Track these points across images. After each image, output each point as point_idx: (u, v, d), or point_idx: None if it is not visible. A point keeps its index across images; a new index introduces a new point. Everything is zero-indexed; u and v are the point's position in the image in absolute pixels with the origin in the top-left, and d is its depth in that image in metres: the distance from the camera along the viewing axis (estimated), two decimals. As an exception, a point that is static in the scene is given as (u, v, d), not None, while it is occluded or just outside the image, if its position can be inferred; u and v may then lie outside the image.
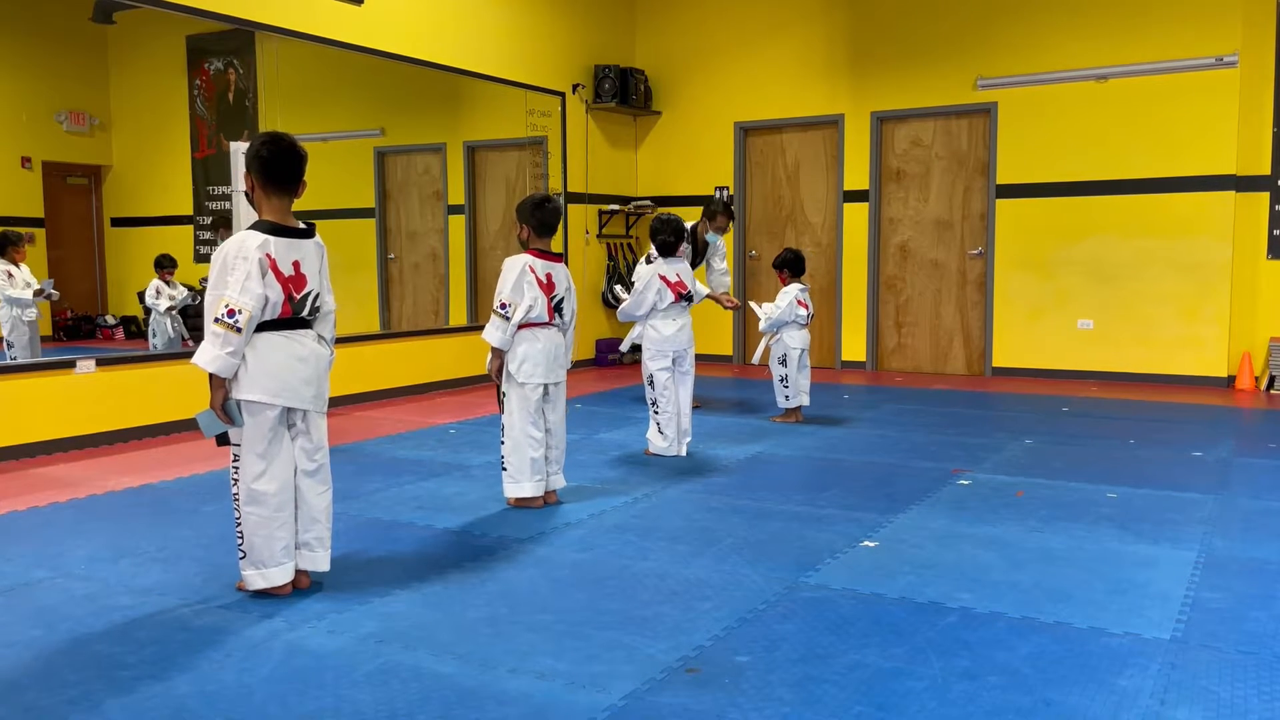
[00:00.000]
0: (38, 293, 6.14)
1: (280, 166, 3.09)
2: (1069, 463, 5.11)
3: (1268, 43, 7.76)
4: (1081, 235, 8.30)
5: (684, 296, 5.34)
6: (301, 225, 3.16)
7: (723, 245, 7.11)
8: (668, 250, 5.35)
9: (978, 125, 8.72)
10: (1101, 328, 8.29)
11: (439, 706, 2.40)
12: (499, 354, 4.17)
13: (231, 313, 2.96)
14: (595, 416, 6.55)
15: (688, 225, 6.59)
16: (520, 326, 4.15)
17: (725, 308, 6.52)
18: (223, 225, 6.79)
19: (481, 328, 4.21)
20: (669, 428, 5.24)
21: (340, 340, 3.35)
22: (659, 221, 5.39)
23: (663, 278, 5.27)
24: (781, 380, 6.20)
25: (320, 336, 3.24)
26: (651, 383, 5.24)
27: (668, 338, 5.24)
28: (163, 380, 6.04)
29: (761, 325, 6.18)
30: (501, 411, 4.24)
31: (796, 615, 2.98)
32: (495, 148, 9.02)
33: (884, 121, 9.08)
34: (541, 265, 4.19)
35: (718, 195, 6.67)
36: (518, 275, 4.14)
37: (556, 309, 4.25)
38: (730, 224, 6.87)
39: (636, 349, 5.47)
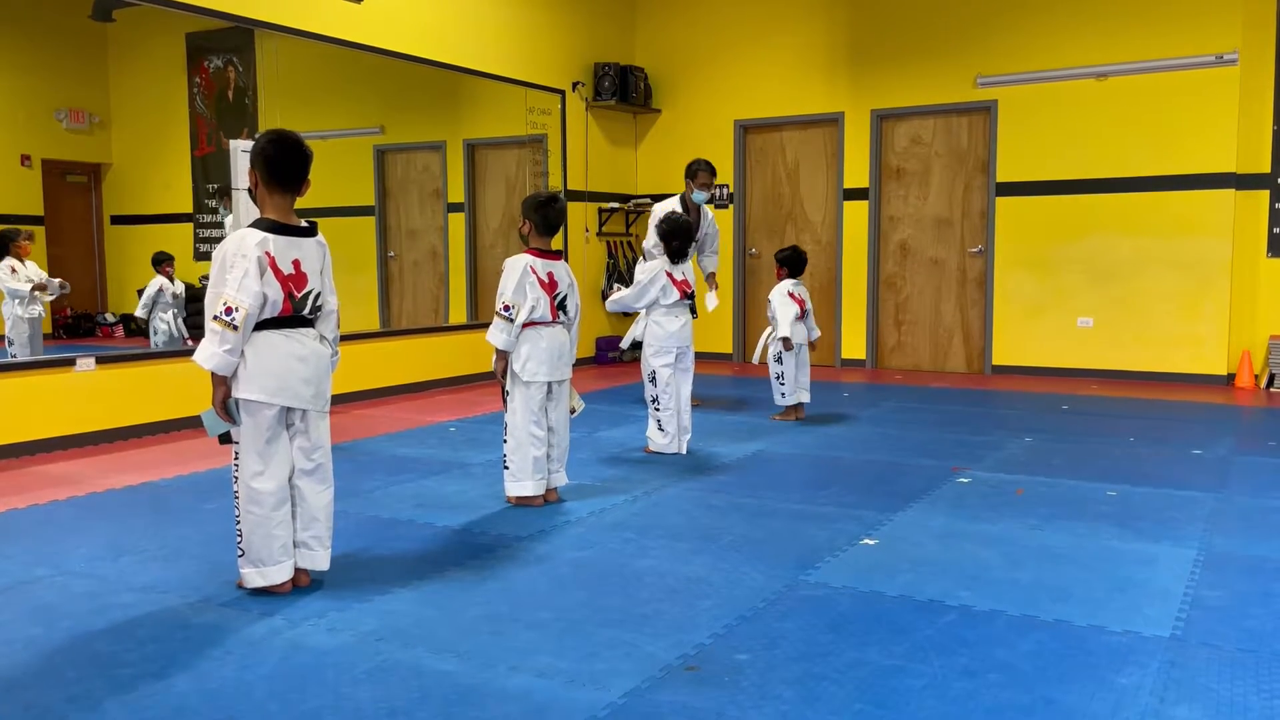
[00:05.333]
0: (39, 287, 6.13)
1: (285, 165, 3.08)
2: (1069, 460, 5.11)
3: (1268, 41, 7.75)
4: (1081, 233, 8.31)
5: (688, 295, 5.35)
6: (303, 224, 3.16)
7: (714, 222, 6.98)
8: (680, 257, 5.35)
9: (978, 123, 8.72)
10: (1101, 326, 8.29)
11: (439, 704, 2.40)
12: (504, 355, 4.17)
13: (229, 310, 2.96)
14: (595, 414, 6.54)
15: (676, 204, 6.66)
16: (524, 326, 4.15)
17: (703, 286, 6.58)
18: (224, 195, 6.73)
19: (482, 325, 4.22)
20: (670, 425, 5.24)
21: (340, 338, 3.35)
22: (670, 224, 5.35)
23: (669, 274, 5.27)
24: (778, 378, 6.20)
25: (322, 336, 3.23)
26: (654, 379, 5.24)
27: (672, 334, 5.24)
28: (163, 378, 6.04)
29: (789, 331, 6.11)
30: (506, 410, 4.23)
31: (796, 613, 2.98)
32: (495, 145, 9.02)
33: (884, 119, 9.07)
34: (542, 264, 4.19)
35: (696, 160, 6.70)
36: (519, 276, 4.13)
37: (560, 307, 4.25)
38: (713, 179, 6.77)
39: (636, 346, 5.47)
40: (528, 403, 4.17)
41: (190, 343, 6.72)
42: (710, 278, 7.05)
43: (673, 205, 6.69)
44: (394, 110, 8.28)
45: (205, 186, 7.03)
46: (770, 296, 6.19)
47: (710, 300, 6.84)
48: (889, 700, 2.40)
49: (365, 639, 2.80)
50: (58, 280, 6.28)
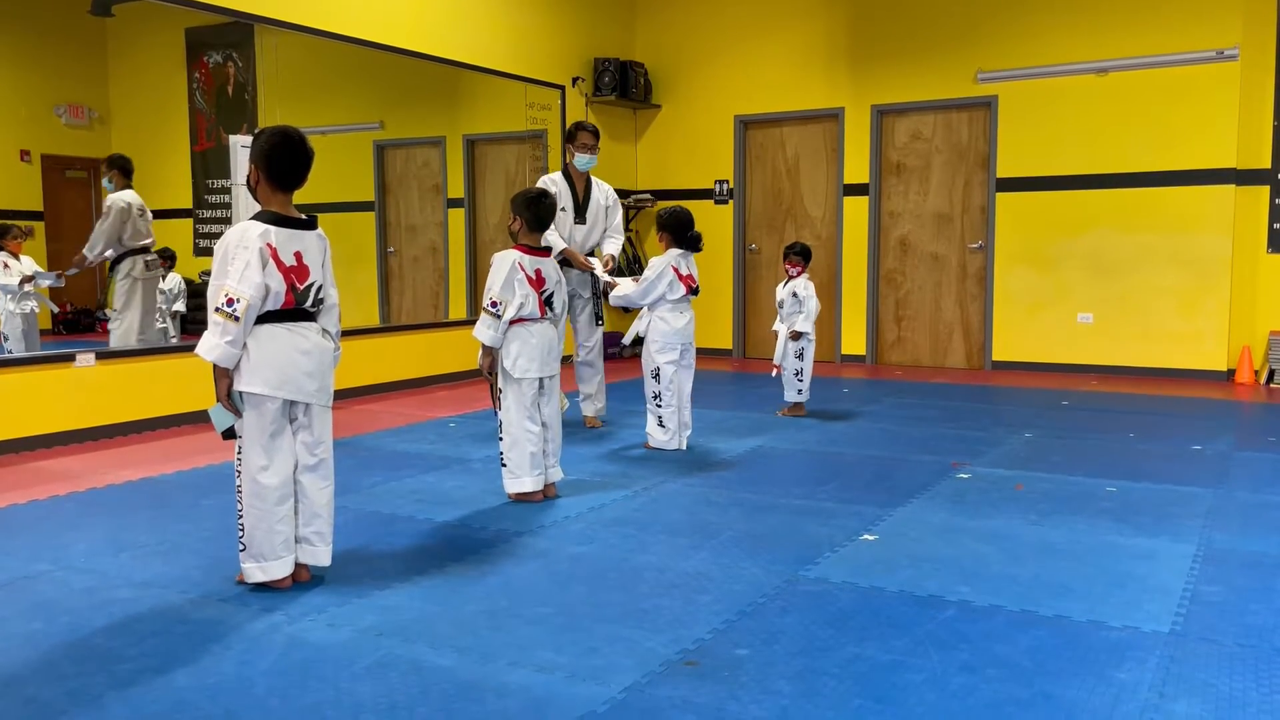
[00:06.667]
0: (27, 279, 6.14)
1: (289, 167, 3.09)
2: (1068, 456, 5.11)
3: (1268, 36, 7.75)
4: (1081, 229, 8.30)
5: (693, 290, 5.33)
6: (303, 217, 3.16)
7: (615, 199, 6.00)
8: (694, 246, 5.32)
9: (978, 118, 8.71)
10: (1101, 321, 8.29)
11: (439, 699, 2.40)
12: (490, 352, 4.17)
13: (230, 301, 2.96)
14: (595, 410, 6.54)
15: (558, 176, 5.81)
16: (512, 322, 4.15)
17: (583, 267, 5.68)
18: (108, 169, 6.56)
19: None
20: (670, 421, 5.24)
21: (341, 333, 3.36)
22: (672, 219, 5.28)
23: (675, 269, 5.26)
24: (797, 374, 6.21)
25: (324, 330, 3.24)
26: (657, 376, 5.22)
27: (678, 330, 5.24)
28: (163, 374, 6.04)
29: (809, 327, 6.11)
30: (496, 408, 4.24)
31: (796, 608, 2.99)
32: (495, 141, 9.02)
33: (884, 115, 9.07)
34: (530, 261, 4.19)
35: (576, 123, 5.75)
36: (507, 273, 4.13)
37: (547, 303, 4.25)
38: (595, 140, 5.83)
39: (638, 342, 5.44)
40: (520, 399, 4.17)
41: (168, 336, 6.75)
42: (611, 260, 5.88)
43: (554, 178, 5.85)
44: (394, 105, 8.27)
45: (205, 182, 7.03)
46: (796, 290, 6.18)
47: (614, 282, 5.56)
48: (888, 695, 2.41)
49: (365, 634, 2.80)
50: (55, 272, 6.26)
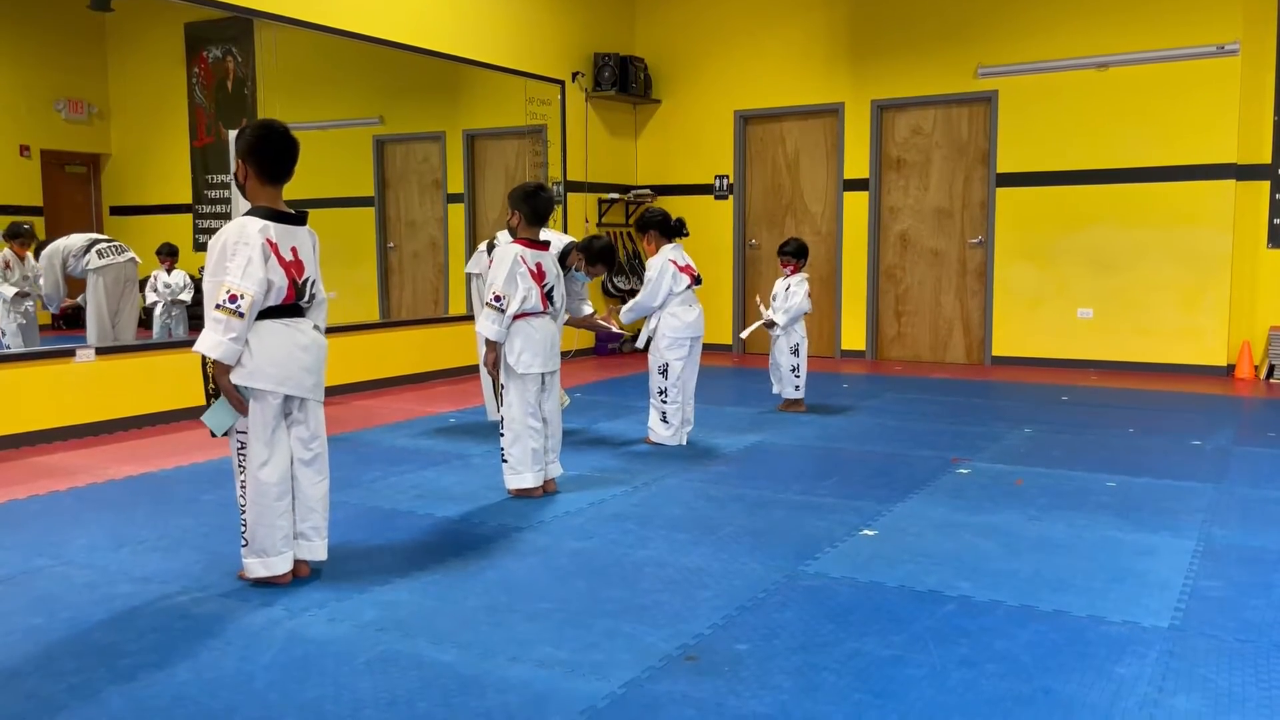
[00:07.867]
0: (22, 294, 6.13)
1: (279, 159, 3.09)
2: (1068, 451, 5.11)
3: (1269, 31, 7.74)
4: (1082, 224, 8.30)
5: (696, 279, 5.32)
6: (294, 212, 3.16)
7: (587, 284, 5.60)
8: (681, 229, 5.32)
9: (978, 114, 8.70)
10: (1101, 317, 8.29)
11: (439, 694, 2.40)
12: (494, 346, 4.16)
13: (234, 298, 2.94)
14: (595, 406, 6.55)
15: (565, 241, 5.27)
16: (516, 317, 4.15)
17: (600, 328, 5.55)
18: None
19: (483, 317, 4.20)
20: (674, 418, 5.24)
21: (339, 329, 3.36)
22: (660, 215, 5.33)
23: (673, 262, 5.25)
24: (793, 370, 6.22)
25: (315, 325, 3.24)
26: (665, 372, 5.22)
27: (689, 324, 5.24)
28: (163, 369, 6.04)
29: (784, 321, 6.15)
30: (497, 404, 4.23)
31: (796, 603, 2.99)
32: (494, 136, 9.01)
33: (884, 110, 9.06)
34: (531, 255, 4.18)
35: (603, 238, 5.16)
36: (510, 267, 4.12)
37: (548, 297, 4.24)
38: (606, 273, 5.66)
39: (649, 343, 5.40)
40: (523, 394, 4.17)
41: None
42: (605, 316, 5.78)
43: (563, 241, 5.30)
44: (393, 100, 8.26)
45: (204, 177, 7.02)
46: (794, 286, 6.19)
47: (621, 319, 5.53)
48: (888, 690, 2.41)
49: (365, 629, 2.80)
50: (32, 287, 6.22)
